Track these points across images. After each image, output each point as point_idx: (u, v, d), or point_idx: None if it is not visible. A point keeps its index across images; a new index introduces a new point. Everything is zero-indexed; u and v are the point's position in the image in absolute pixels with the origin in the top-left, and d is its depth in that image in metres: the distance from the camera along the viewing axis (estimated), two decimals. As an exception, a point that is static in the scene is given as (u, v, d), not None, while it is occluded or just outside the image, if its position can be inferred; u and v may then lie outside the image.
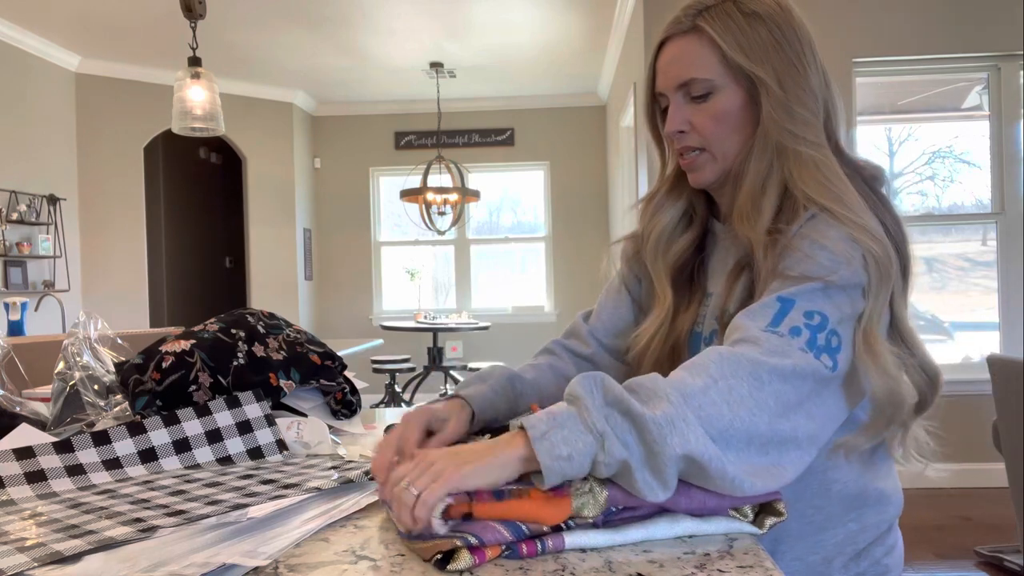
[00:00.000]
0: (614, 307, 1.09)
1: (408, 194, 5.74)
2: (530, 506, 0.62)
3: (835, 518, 0.92)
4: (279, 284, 6.42)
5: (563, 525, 0.63)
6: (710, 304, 0.95)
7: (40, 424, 1.09)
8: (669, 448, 0.62)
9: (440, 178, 5.76)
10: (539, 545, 0.62)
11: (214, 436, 0.99)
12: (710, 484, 0.65)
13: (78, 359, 1.18)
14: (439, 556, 0.59)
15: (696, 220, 0.99)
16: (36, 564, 0.60)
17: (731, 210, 0.92)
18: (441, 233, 5.95)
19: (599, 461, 0.63)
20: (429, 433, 0.84)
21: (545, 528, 0.62)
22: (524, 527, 0.62)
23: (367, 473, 0.84)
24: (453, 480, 0.62)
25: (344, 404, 1.22)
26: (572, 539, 0.63)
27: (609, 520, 0.65)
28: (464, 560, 0.59)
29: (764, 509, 0.69)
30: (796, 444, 0.70)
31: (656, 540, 0.65)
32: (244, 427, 1.01)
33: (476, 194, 5.86)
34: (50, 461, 0.86)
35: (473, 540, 0.59)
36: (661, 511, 0.66)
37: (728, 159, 0.91)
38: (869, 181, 0.90)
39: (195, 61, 3.00)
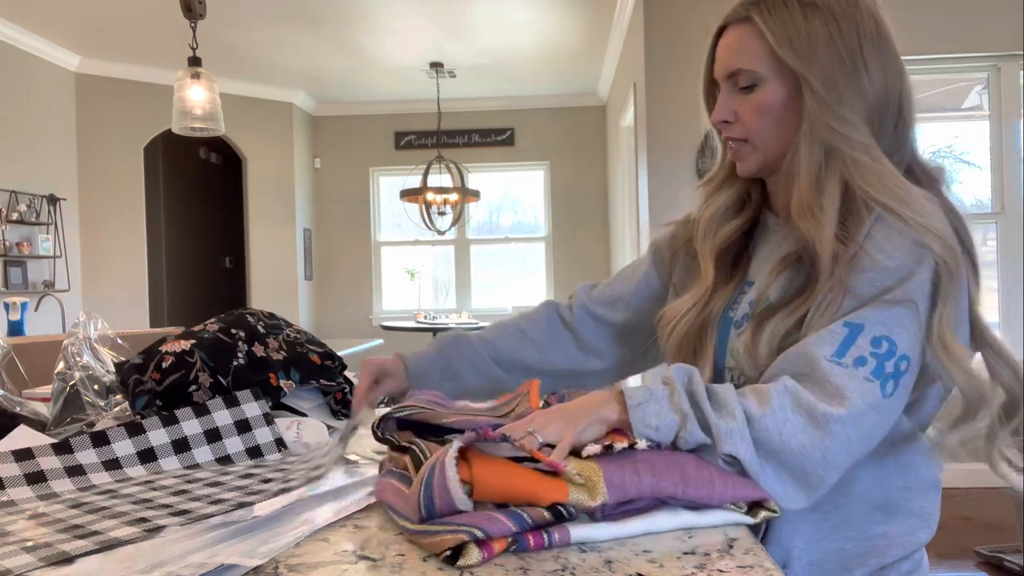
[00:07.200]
0: (630, 274, 1.13)
1: (408, 194, 5.74)
2: (527, 475, 0.64)
3: (855, 521, 0.86)
4: (279, 284, 6.41)
5: (564, 514, 0.63)
6: (748, 292, 0.93)
7: (40, 424, 1.09)
8: (723, 449, 0.71)
9: (440, 178, 5.76)
10: (546, 537, 0.61)
11: (213, 436, 0.99)
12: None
13: (78, 359, 1.18)
14: (448, 553, 0.59)
15: (749, 207, 0.98)
16: (42, 564, 0.60)
17: (784, 204, 0.92)
18: (441, 233, 5.95)
19: (681, 437, 0.72)
20: (376, 381, 1.05)
21: (547, 515, 0.62)
22: (527, 517, 0.61)
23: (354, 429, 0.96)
24: (569, 438, 0.70)
25: (344, 404, 1.22)
26: (577, 532, 0.62)
27: (609, 514, 0.65)
28: (472, 555, 0.58)
29: (756, 503, 0.70)
30: (838, 472, 0.75)
31: (657, 536, 0.65)
32: (243, 426, 1.01)
33: (476, 194, 5.86)
34: (49, 462, 0.86)
35: (479, 534, 0.59)
36: (659, 504, 0.67)
37: (770, 151, 0.90)
38: (931, 181, 0.88)
39: (195, 61, 2.99)
